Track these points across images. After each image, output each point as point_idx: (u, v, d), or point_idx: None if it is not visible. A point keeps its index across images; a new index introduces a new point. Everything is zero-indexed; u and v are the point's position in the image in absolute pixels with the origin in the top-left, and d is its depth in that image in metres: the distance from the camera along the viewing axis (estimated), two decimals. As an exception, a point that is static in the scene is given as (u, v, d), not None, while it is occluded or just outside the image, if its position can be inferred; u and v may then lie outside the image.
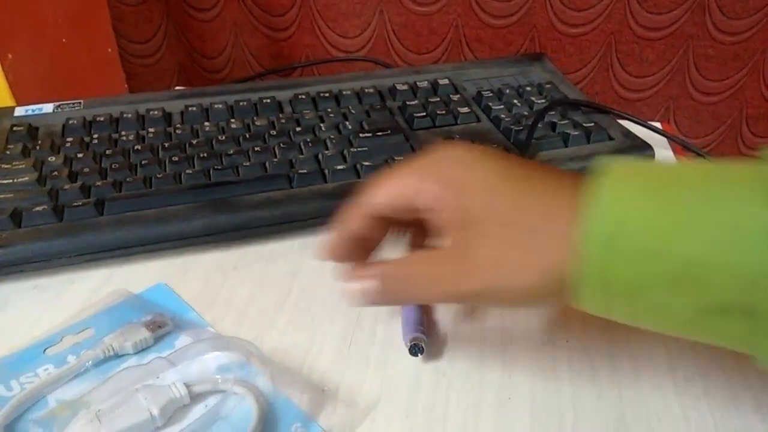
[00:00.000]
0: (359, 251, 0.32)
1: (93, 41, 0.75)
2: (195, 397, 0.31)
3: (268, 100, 0.52)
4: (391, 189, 0.30)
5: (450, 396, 0.32)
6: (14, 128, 0.48)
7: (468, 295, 0.28)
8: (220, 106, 0.51)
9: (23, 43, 0.60)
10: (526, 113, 0.52)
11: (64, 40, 0.67)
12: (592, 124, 0.50)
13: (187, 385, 0.31)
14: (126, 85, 0.82)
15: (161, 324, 0.35)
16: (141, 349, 0.34)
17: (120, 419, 0.29)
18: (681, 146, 0.54)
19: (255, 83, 0.56)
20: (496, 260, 0.27)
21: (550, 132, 0.50)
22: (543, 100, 0.53)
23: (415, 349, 0.34)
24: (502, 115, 0.51)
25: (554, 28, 0.86)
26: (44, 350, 0.34)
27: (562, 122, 0.50)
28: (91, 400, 0.30)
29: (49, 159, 0.44)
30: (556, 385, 0.33)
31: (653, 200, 0.25)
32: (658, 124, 0.54)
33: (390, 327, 0.36)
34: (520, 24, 0.86)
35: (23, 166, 0.44)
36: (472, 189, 0.28)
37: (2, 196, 0.41)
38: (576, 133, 0.49)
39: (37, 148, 0.46)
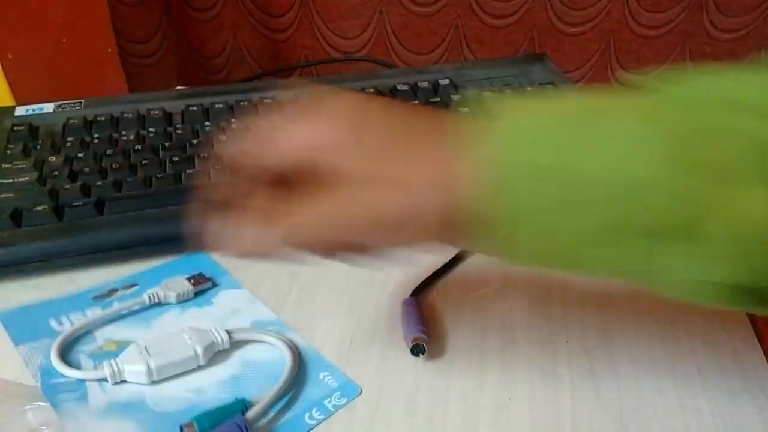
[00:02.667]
0: None
1: (93, 41, 0.75)
2: (234, 344, 0.34)
3: (269, 100, 0.52)
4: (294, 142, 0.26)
5: (449, 396, 0.32)
6: (15, 128, 0.48)
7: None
8: (221, 106, 0.51)
9: (23, 43, 0.60)
10: (526, 114, 0.52)
11: (64, 40, 0.67)
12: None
13: (228, 332, 0.34)
14: (126, 85, 0.82)
15: (202, 281, 0.38)
16: (182, 300, 0.37)
17: (167, 354, 0.32)
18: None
19: (257, 83, 0.56)
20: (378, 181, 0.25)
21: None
22: (544, 101, 0.53)
23: (416, 349, 0.34)
24: (503, 116, 0.51)
25: (554, 27, 0.86)
26: (92, 297, 0.37)
27: (563, 123, 0.50)
28: (138, 340, 0.33)
29: (50, 159, 0.44)
30: (556, 386, 0.33)
31: (548, 126, 0.24)
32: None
33: (390, 326, 0.36)
34: (520, 24, 0.86)
35: (24, 165, 0.44)
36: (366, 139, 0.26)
37: (3, 195, 0.41)
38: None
39: (38, 147, 0.46)
